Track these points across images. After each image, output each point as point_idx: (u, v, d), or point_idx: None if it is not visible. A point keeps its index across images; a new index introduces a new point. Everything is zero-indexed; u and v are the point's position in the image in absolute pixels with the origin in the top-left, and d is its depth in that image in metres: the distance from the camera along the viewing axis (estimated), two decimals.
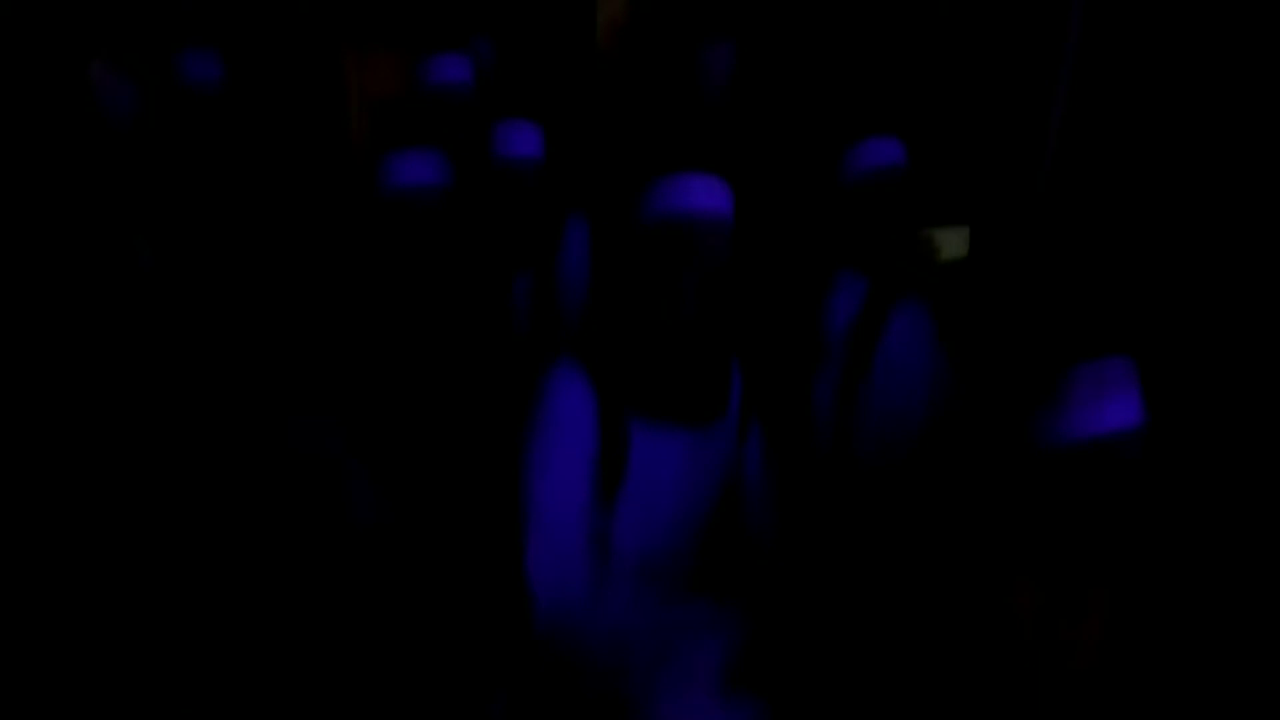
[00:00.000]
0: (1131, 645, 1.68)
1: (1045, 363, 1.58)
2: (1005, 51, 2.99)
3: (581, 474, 1.79)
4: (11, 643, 1.85)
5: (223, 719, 1.77)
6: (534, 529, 1.76)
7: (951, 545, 1.70)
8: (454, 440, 2.15)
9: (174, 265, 2.18)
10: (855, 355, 2.18)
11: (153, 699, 1.73)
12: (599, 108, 3.12)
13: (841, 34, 3.26)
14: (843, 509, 2.16)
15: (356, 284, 2.34)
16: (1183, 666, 1.81)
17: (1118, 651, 1.67)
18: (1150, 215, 2.70)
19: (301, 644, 1.87)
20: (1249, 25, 2.38)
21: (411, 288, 2.25)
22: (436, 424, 2.17)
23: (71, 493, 2.03)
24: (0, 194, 2.24)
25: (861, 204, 2.22)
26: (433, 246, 2.25)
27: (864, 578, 1.86)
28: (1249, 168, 2.36)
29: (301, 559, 1.89)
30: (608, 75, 3.11)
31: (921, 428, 2.41)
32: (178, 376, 2.17)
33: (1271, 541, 1.86)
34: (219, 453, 2.07)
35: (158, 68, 2.61)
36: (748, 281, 1.80)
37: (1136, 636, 1.68)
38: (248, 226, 2.44)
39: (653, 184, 1.77)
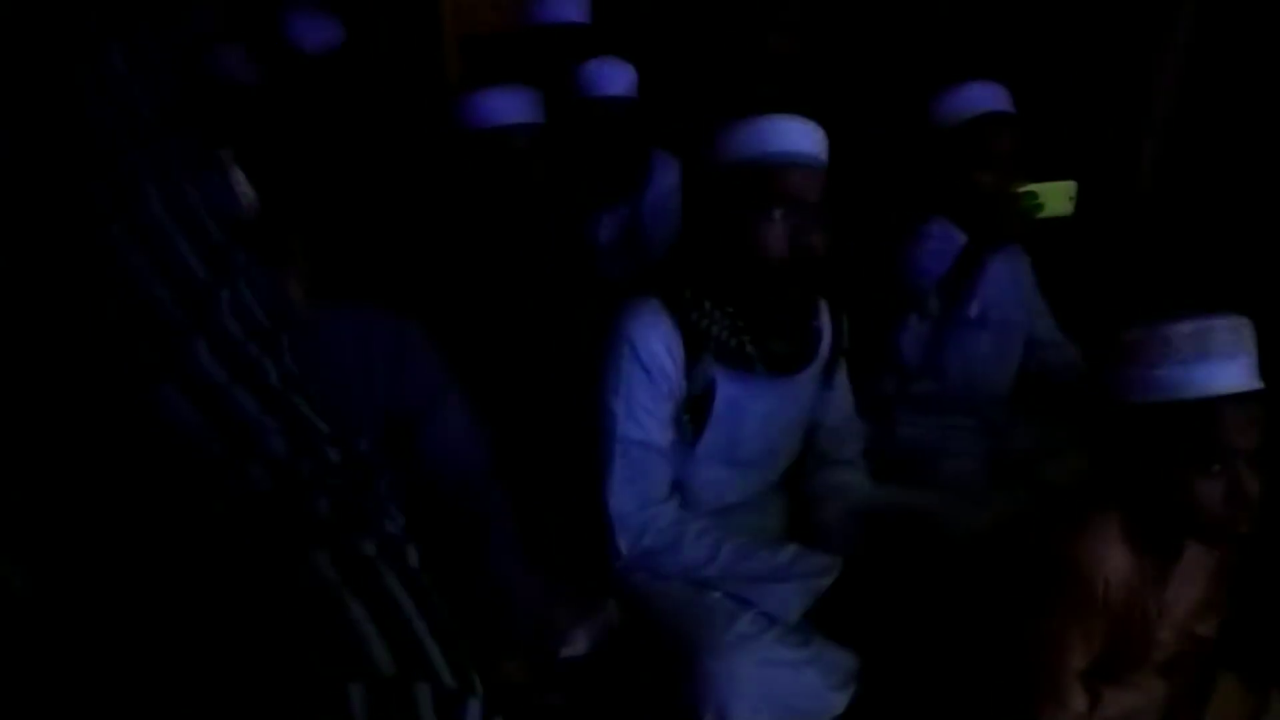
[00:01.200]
0: None
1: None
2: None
3: (664, 414, 1.78)
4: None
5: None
6: (616, 467, 1.76)
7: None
8: (536, 377, 2.17)
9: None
10: (948, 307, 2.13)
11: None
12: (688, 45, 3.07)
13: None
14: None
15: (444, 221, 2.35)
16: None
17: None
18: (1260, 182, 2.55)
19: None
20: None
21: (497, 224, 2.25)
22: (521, 361, 2.19)
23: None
24: None
25: (960, 150, 2.15)
26: (522, 184, 2.25)
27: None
28: None
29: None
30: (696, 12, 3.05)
31: (1012, 385, 2.35)
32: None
33: None
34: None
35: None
36: (837, 227, 1.74)
37: None
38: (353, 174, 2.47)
39: (742, 123, 1.73)
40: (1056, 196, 1.98)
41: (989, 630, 1.66)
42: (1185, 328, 1.42)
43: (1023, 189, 1.97)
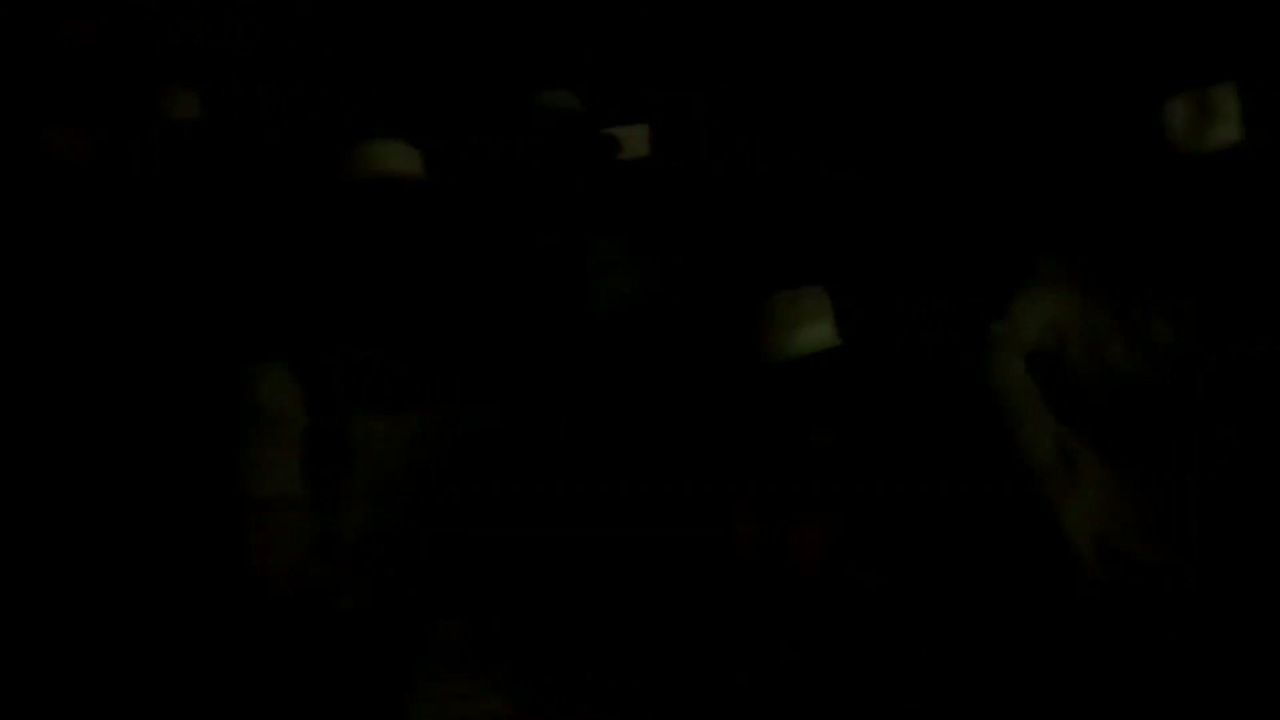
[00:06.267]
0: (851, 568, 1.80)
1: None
2: None
3: (296, 465, 1.68)
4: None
5: None
6: (255, 525, 1.66)
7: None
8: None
9: None
10: None
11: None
12: None
13: None
14: None
15: None
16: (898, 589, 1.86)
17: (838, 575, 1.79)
18: None
19: None
20: None
21: None
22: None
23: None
24: None
25: None
26: None
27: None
28: None
29: None
30: None
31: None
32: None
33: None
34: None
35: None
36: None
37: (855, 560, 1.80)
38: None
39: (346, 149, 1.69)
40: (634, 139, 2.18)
41: None
42: (780, 296, 1.70)
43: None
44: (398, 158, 1.75)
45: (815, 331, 1.71)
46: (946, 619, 1.82)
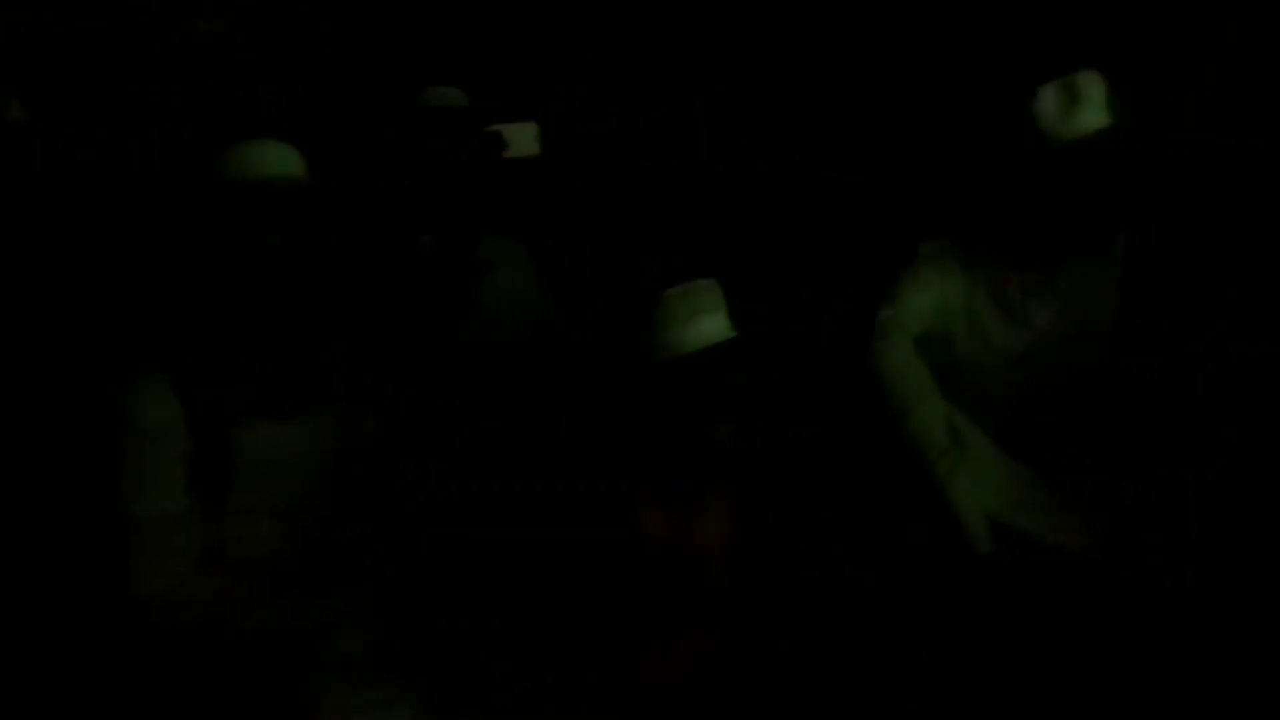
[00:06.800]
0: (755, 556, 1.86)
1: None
2: None
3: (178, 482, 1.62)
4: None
5: None
6: (137, 545, 1.60)
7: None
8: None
9: None
10: None
11: None
12: None
13: None
14: None
15: None
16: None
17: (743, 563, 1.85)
18: None
19: None
20: None
21: None
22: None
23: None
24: None
25: None
26: None
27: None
28: None
29: None
30: None
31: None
32: None
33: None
34: None
35: None
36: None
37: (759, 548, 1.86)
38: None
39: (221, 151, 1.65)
40: (522, 137, 2.11)
41: None
42: (675, 291, 1.72)
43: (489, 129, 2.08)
44: (275, 159, 1.69)
45: (709, 325, 1.72)
46: (849, 602, 1.86)
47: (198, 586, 1.62)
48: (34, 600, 1.92)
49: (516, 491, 2.12)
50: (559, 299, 2.50)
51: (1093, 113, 1.82)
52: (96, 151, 2.60)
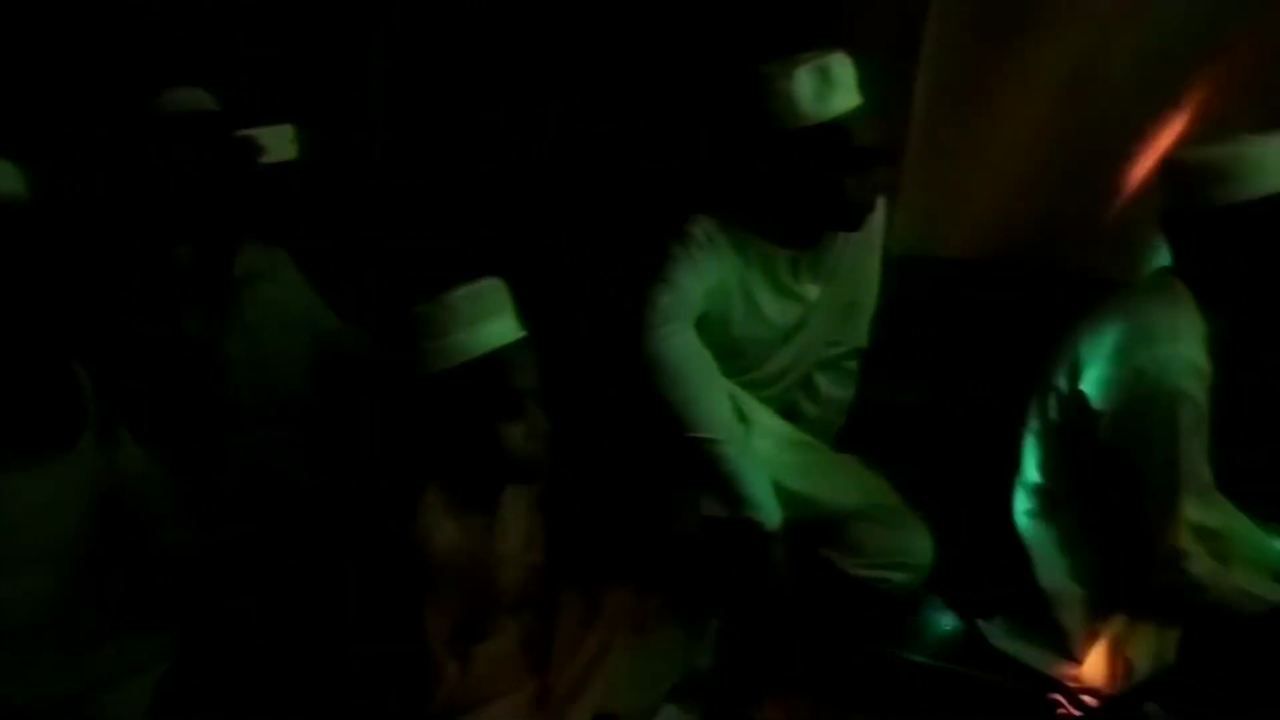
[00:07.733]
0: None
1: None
2: None
3: None
4: None
5: None
6: None
7: None
8: None
9: None
10: None
11: None
12: None
13: None
14: None
15: None
16: None
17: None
18: None
19: None
20: None
21: None
22: None
23: None
24: None
25: None
26: None
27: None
28: None
29: None
30: None
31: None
32: None
33: None
34: None
35: None
36: None
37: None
38: None
39: None
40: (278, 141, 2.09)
41: None
42: (460, 293, 1.63)
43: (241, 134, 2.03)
44: None
45: (499, 326, 1.66)
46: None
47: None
48: None
49: (303, 501, 2.06)
50: (339, 306, 2.39)
51: (845, 94, 1.89)
52: None
